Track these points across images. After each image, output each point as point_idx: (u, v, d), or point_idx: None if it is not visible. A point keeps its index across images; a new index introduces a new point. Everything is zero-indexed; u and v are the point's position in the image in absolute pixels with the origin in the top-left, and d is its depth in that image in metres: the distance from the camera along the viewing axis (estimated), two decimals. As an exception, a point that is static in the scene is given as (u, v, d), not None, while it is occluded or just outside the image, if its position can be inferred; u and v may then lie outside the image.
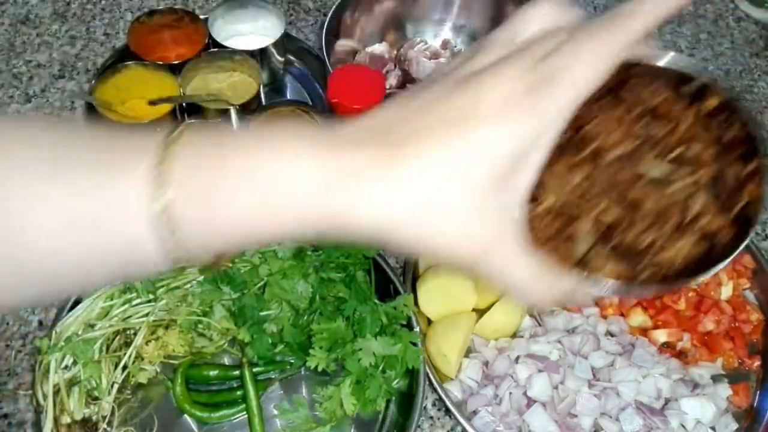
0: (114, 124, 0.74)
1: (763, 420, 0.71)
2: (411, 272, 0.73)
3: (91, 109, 0.78)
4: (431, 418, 0.69)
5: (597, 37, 0.26)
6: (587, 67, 0.25)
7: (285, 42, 0.86)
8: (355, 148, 0.26)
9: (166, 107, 0.76)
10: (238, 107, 0.79)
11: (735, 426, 0.69)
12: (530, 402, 0.67)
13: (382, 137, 0.26)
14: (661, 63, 0.29)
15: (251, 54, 0.82)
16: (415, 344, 0.65)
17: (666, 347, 0.75)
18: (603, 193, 0.28)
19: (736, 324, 0.76)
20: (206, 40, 0.83)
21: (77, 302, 0.65)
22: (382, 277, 0.70)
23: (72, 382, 0.62)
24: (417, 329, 0.67)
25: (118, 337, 0.65)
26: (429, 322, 0.72)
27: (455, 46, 0.96)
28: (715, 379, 0.72)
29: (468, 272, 0.28)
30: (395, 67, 0.92)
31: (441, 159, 0.25)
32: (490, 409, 0.66)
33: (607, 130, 0.29)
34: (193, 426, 0.65)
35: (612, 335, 0.73)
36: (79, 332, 0.63)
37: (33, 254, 0.27)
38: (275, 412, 0.66)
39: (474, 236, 0.26)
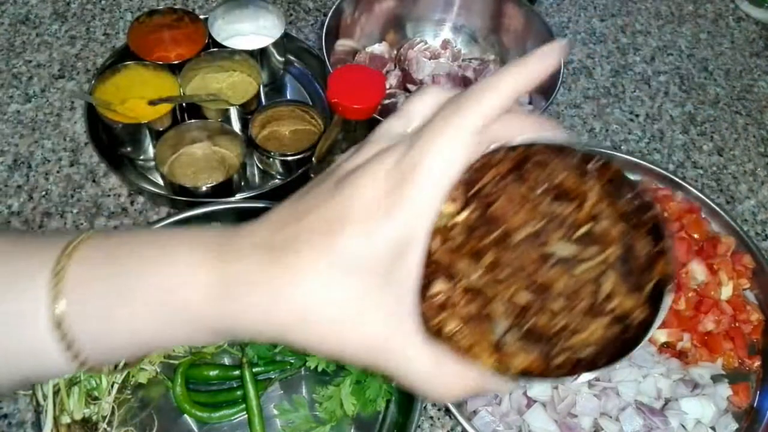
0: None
1: (763, 420, 0.70)
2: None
3: (90, 109, 0.78)
4: (431, 418, 0.69)
5: (448, 118, 0.26)
6: (441, 153, 0.25)
7: (285, 42, 0.86)
8: (244, 257, 0.27)
9: (166, 107, 0.76)
10: (238, 107, 0.79)
11: (735, 426, 0.69)
12: (530, 402, 0.67)
13: (270, 243, 0.27)
14: (558, 142, 0.28)
15: (251, 54, 0.82)
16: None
17: (666, 347, 0.75)
18: (513, 275, 0.27)
19: (736, 324, 0.76)
20: (206, 40, 0.83)
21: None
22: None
23: (72, 382, 0.62)
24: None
25: (118, 337, 0.65)
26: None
27: (455, 46, 0.96)
28: (715, 379, 0.72)
29: (374, 369, 0.27)
30: (395, 67, 0.92)
31: (320, 263, 0.25)
32: (490, 409, 0.66)
33: (513, 209, 0.28)
34: (193, 426, 0.65)
35: (612, 335, 0.73)
36: (79, 332, 0.63)
37: None
38: (275, 412, 0.66)
39: (365, 330, 0.26)
